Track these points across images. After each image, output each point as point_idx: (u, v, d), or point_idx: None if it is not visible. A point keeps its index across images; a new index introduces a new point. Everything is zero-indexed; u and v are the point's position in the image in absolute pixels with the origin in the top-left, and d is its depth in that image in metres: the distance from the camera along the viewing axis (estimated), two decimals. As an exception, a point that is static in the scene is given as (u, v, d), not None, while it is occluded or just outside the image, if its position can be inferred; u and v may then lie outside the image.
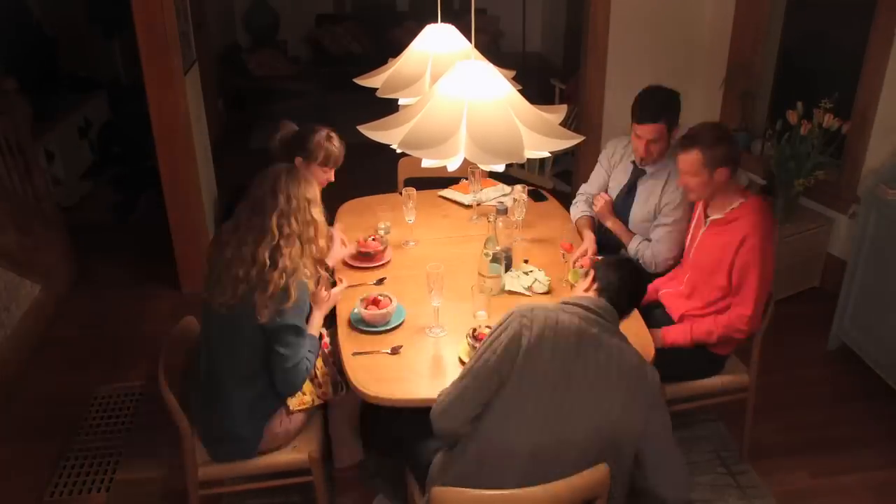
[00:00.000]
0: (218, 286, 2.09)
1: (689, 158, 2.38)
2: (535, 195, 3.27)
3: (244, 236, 2.10)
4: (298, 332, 2.10)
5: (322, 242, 2.19)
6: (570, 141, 1.69)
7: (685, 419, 2.88)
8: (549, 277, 2.55)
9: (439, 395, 1.82)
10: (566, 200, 3.27)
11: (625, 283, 1.89)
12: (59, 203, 4.32)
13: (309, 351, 2.17)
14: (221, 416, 2.15)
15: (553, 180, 5.12)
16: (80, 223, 4.53)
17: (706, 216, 2.51)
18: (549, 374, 1.70)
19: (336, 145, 2.68)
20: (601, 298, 1.85)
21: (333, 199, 3.27)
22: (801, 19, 4.11)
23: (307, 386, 2.27)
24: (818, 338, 3.42)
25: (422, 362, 2.17)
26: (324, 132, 2.67)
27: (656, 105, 2.69)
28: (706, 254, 2.47)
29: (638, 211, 2.84)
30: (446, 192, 3.33)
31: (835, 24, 3.95)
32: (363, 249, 2.75)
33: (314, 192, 2.19)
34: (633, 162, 2.87)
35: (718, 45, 4.31)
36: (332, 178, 2.75)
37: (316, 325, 2.28)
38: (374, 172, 3.73)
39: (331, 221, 2.82)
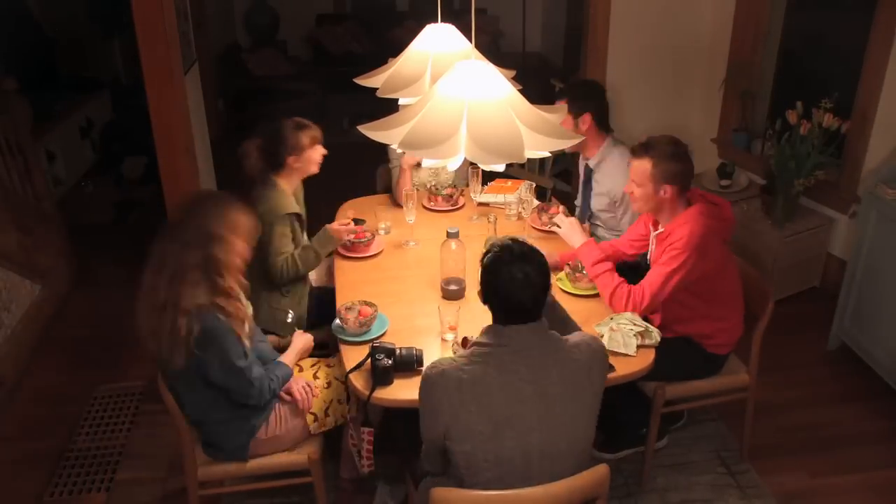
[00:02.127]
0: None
1: (640, 166, 2.35)
2: (541, 195, 3.27)
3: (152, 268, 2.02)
4: (230, 367, 2.02)
5: (230, 281, 2.04)
6: (570, 141, 1.69)
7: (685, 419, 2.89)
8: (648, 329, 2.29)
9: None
10: (566, 200, 3.28)
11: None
12: (59, 203, 4.32)
13: (271, 378, 2.15)
14: (208, 431, 2.19)
15: (553, 180, 5.11)
16: (80, 223, 4.53)
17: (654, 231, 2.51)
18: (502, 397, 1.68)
19: (307, 123, 2.72)
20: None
21: (334, 199, 3.28)
22: (801, 19, 4.11)
23: (332, 407, 2.28)
24: (818, 338, 3.42)
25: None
26: (290, 122, 2.71)
27: (565, 87, 3.04)
28: None
29: (595, 202, 3.04)
30: (482, 198, 3.18)
31: (835, 24, 3.95)
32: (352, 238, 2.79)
33: (222, 224, 2.03)
34: (586, 163, 3.08)
35: (718, 45, 4.31)
36: (325, 150, 2.77)
37: (289, 359, 2.27)
38: (374, 172, 3.73)
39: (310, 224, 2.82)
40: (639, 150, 2.38)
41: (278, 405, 2.22)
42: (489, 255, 1.77)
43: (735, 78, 4.25)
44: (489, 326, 1.76)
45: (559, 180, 5.13)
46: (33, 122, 3.98)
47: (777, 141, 3.57)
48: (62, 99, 5.33)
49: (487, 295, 1.76)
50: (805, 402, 3.05)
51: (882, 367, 3.03)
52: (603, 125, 2.95)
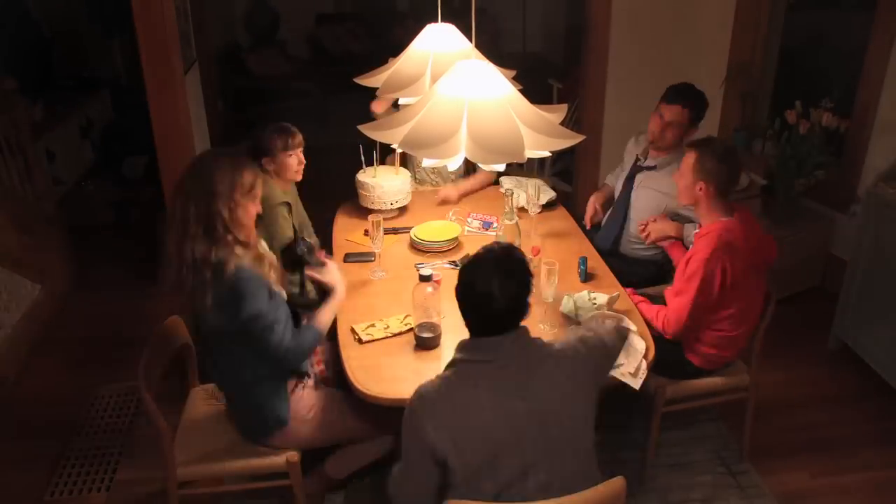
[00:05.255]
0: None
1: (689, 157, 2.42)
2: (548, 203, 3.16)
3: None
4: (264, 318, 1.97)
5: (241, 236, 2.00)
6: (570, 140, 1.70)
7: (685, 419, 2.88)
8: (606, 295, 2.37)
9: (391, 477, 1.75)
10: (566, 199, 3.26)
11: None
12: (59, 203, 4.32)
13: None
14: (241, 399, 2.17)
15: (553, 179, 5.12)
16: (80, 223, 4.53)
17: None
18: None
19: (284, 127, 2.68)
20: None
21: (334, 199, 3.28)
22: (801, 19, 4.11)
23: None
24: (818, 338, 3.42)
25: (418, 360, 2.17)
26: (273, 125, 2.69)
27: (687, 91, 2.82)
28: None
29: (643, 201, 2.92)
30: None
31: (835, 24, 3.96)
32: None
33: (227, 183, 1.98)
34: (638, 155, 2.99)
35: (718, 45, 4.30)
36: (303, 159, 2.72)
37: (325, 319, 2.18)
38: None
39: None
40: (694, 143, 2.46)
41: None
42: (468, 261, 1.73)
43: (735, 78, 4.25)
44: (468, 340, 1.72)
45: (559, 180, 5.14)
46: (33, 121, 3.97)
47: (777, 140, 3.57)
48: (63, 99, 5.33)
49: (462, 306, 1.70)
50: (805, 402, 3.06)
51: (882, 367, 3.03)
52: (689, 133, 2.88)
